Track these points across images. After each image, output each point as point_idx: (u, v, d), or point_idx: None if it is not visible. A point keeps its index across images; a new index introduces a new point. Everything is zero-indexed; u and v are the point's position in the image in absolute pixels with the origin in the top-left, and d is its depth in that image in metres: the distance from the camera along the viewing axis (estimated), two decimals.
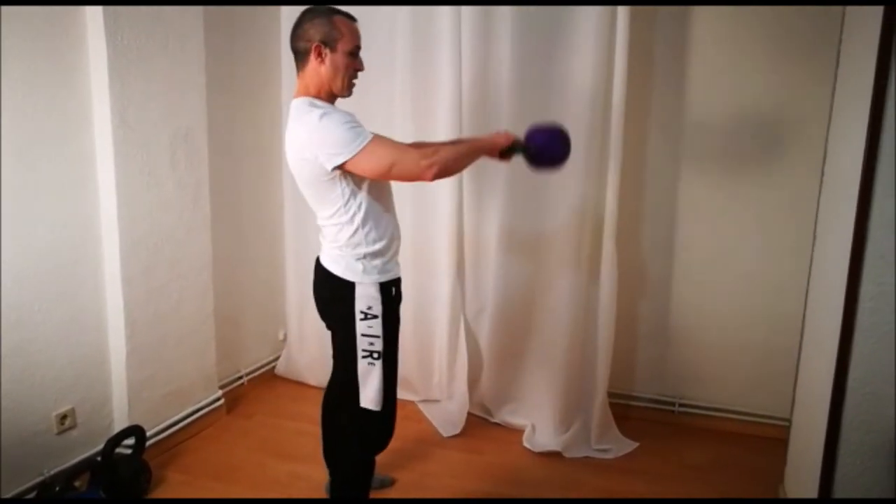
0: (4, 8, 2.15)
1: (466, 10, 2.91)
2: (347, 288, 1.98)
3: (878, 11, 1.66)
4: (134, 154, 2.58)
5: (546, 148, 2.16)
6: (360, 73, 2.04)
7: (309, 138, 1.89)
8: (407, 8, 3.04)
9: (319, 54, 1.95)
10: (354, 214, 1.95)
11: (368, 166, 1.87)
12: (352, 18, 2.01)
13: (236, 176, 3.31)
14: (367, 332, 1.98)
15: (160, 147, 2.69)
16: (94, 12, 2.41)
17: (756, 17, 2.83)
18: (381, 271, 2.01)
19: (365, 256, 1.98)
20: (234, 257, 3.32)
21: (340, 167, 1.86)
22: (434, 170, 1.88)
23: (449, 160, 1.92)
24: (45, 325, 2.39)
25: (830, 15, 2.60)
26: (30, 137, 2.29)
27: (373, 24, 3.13)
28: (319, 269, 2.09)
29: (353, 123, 1.88)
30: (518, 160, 2.20)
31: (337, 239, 2.00)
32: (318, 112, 1.89)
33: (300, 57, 2.00)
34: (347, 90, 2.02)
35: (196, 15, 2.81)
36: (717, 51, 2.91)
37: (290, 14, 3.31)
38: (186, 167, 2.82)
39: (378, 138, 1.89)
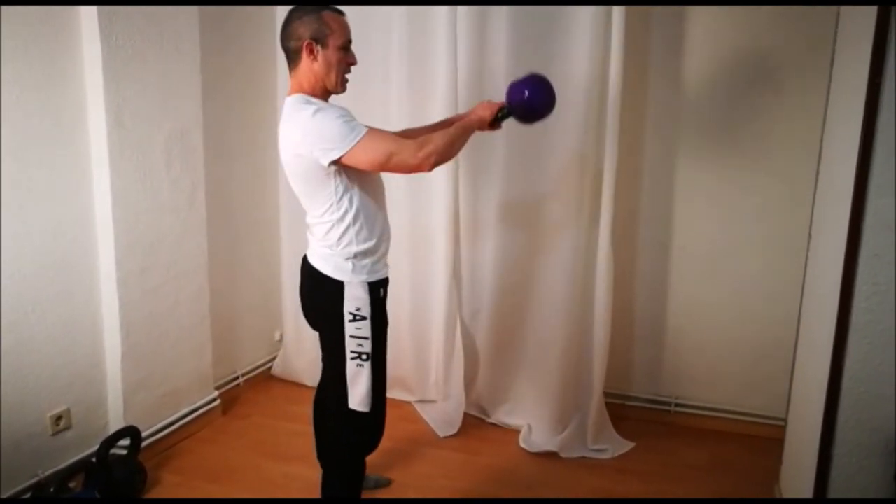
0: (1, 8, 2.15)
1: (462, 8, 2.91)
2: (336, 288, 1.97)
3: (871, 11, 1.66)
4: (129, 155, 2.57)
5: (531, 101, 2.16)
6: (355, 69, 2.04)
7: (303, 134, 1.88)
8: (403, 6, 3.03)
9: (311, 51, 1.94)
10: (346, 212, 1.94)
11: (366, 159, 1.86)
12: (340, 13, 2.00)
13: (232, 177, 3.31)
14: (356, 333, 1.97)
15: (155, 148, 2.69)
16: (89, 12, 2.40)
17: (750, 18, 2.83)
18: (371, 271, 2.00)
19: (355, 256, 1.97)
20: (229, 258, 3.31)
21: (337, 161, 1.86)
22: (432, 159, 1.89)
23: (444, 147, 1.93)
24: (40, 325, 2.39)
25: (825, 14, 2.60)
26: (24, 138, 2.28)
27: (369, 22, 3.13)
28: (307, 267, 2.08)
29: (348, 118, 1.88)
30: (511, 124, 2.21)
31: (327, 238, 1.98)
32: (311, 108, 1.89)
33: (291, 55, 1.99)
34: (341, 86, 2.01)
35: (191, 15, 2.80)
36: (713, 49, 2.91)
37: (286, 13, 3.33)
38: (182, 168, 2.82)
39: (373, 131, 1.89)
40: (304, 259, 2.10)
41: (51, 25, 2.34)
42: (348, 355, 1.98)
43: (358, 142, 1.84)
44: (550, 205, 2.93)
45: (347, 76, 2.03)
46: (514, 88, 2.17)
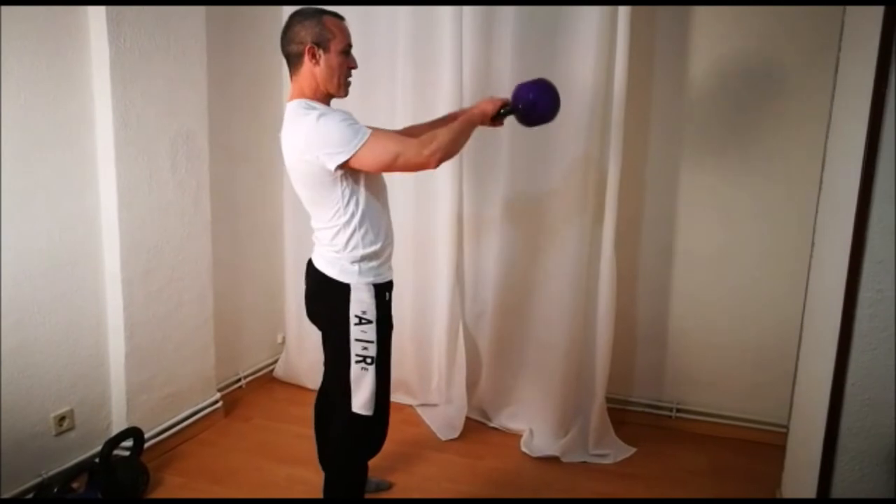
0: (7, 8, 2.16)
1: (468, 8, 2.92)
2: (342, 291, 1.98)
3: (878, 13, 1.66)
4: (135, 156, 2.58)
5: (536, 102, 2.17)
6: (361, 70, 2.06)
7: (308, 140, 1.88)
8: (409, 6, 3.04)
9: (313, 56, 1.95)
10: (353, 215, 1.95)
11: (373, 160, 1.86)
12: (340, 17, 2.01)
13: (236, 179, 3.32)
14: (361, 336, 1.98)
15: (161, 149, 2.70)
16: (97, 13, 2.42)
17: (756, 17, 2.84)
18: (376, 274, 2.01)
19: (361, 259, 1.98)
20: (233, 260, 3.32)
21: (343, 165, 1.86)
22: (437, 156, 1.89)
23: (448, 143, 1.92)
24: (44, 326, 2.39)
25: (831, 17, 2.60)
26: (31, 138, 2.29)
27: (374, 24, 3.15)
28: (313, 271, 2.09)
29: (351, 121, 1.89)
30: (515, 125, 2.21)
31: (334, 242, 1.99)
32: (315, 113, 1.89)
33: (293, 60, 1.99)
34: (343, 89, 2.02)
35: (198, 18, 2.81)
36: (717, 52, 2.92)
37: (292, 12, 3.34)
38: (187, 169, 2.83)
39: (377, 132, 1.90)
40: (310, 263, 2.11)
41: (59, 27, 2.35)
42: (353, 359, 1.98)
43: (364, 144, 1.84)
44: (554, 208, 2.93)
45: (350, 80, 2.04)
46: (522, 89, 2.20)
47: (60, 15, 2.35)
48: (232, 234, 3.30)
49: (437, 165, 1.91)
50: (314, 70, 1.96)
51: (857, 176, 1.71)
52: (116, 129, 2.49)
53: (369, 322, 1.98)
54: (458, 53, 2.95)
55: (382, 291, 2.03)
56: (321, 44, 1.94)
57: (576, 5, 2.76)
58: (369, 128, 1.89)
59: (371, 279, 1.99)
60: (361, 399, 2.01)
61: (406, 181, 3.08)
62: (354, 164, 1.86)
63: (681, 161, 3.04)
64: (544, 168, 2.94)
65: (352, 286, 1.97)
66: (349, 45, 2.01)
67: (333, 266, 2.00)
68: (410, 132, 2.17)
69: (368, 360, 1.99)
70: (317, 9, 1.99)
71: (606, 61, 2.75)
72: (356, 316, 1.97)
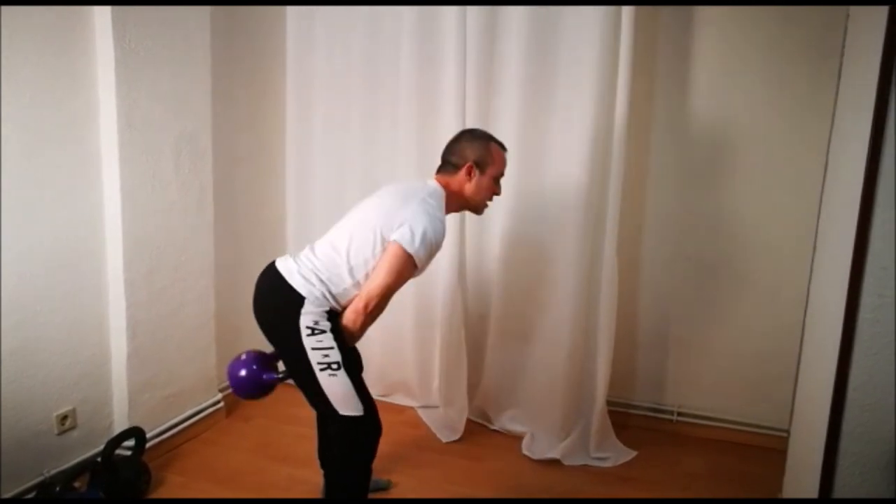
0: (13, 8, 2.17)
1: (472, 10, 2.92)
2: (294, 302, 2.00)
3: (881, 15, 1.65)
4: (139, 156, 2.59)
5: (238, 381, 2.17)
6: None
7: (405, 216, 2.00)
8: (413, 7, 3.04)
9: (469, 173, 2.16)
10: (366, 276, 2.02)
11: (387, 264, 1.98)
12: (504, 148, 2.25)
13: (239, 180, 3.32)
14: (318, 345, 1.99)
15: (165, 150, 2.71)
16: (102, 13, 2.42)
17: (759, 22, 2.84)
18: (333, 305, 2.05)
19: (333, 297, 2.03)
20: (235, 261, 3.32)
21: (389, 242, 2.00)
22: (363, 315, 2.01)
23: (367, 321, 2.04)
24: (47, 325, 2.40)
25: (834, 20, 2.61)
26: (36, 138, 2.30)
27: (379, 23, 3.16)
28: (270, 275, 2.11)
29: (429, 241, 2.00)
30: None
31: (327, 267, 2.04)
32: (429, 209, 2.03)
33: (450, 168, 2.20)
34: (482, 209, 2.27)
35: (202, 19, 2.82)
36: (720, 56, 2.92)
37: (296, 15, 3.35)
38: (190, 170, 2.83)
39: (411, 269, 2.03)
40: (268, 268, 2.15)
41: (64, 27, 2.36)
42: (316, 367, 1.98)
43: (408, 257, 1.98)
44: (557, 212, 2.93)
45: (489, 203, 2.26)
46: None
47: (66, 15, 2.36)
48: (234, 234, 3.31)
49: (365, 313, 2.01)
50: (465, 184, 2.18)
51: (859, 180, 1.71)
52: (121, 129, 2.50)
53: (323, 331, 1.99)
54: (461, 54, 2.95)
55: (334, 314, 2.05)
56: (480, 165, 2.17)
57: (578, 5, 2.76)
58: (419, 267, 2.03)
59: (327, 307, 2.03)
60: (344, 402, 2.01)
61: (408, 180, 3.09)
62: (391, 250, 1.99)
63: (683, 167, 3.04)
64: (547, 169, 2.95)
65: (305, 300, 2.00)
66: (502, 174, 2.24)
67: (297, 278, 2.03)
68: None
69: (335, 366, 1.98)
70: (487, 134, 2.24)
71: (610, 68, 2.75)
72: (308, 327, 1.98)
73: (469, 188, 2.17)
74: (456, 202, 2.20)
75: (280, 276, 2.06)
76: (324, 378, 1.99)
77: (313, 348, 1.98)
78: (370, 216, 2.08)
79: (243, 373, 2.15)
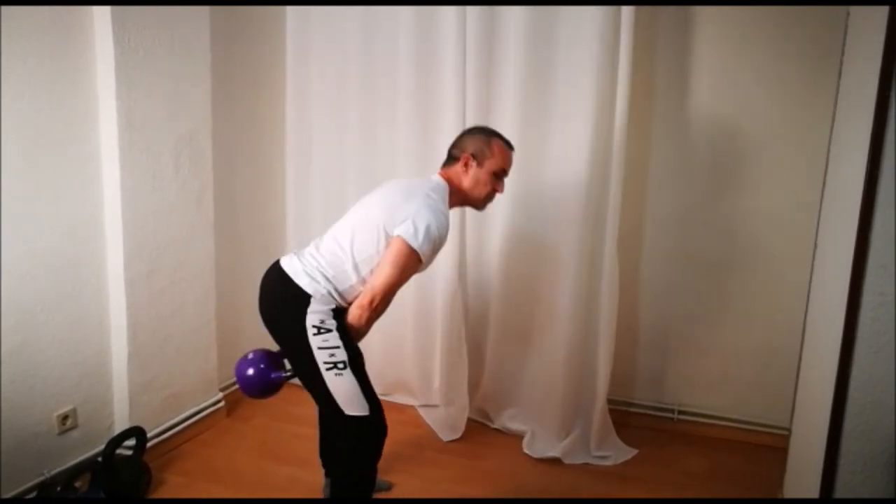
0: (12, 8, 2.16)
1: (472, 10, 2.92)
2: (301, 301, 2.00)
3: (881, 15, 1.65)
4: (139, 156, 2.59)
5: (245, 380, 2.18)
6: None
7: (408, 210, 2.01)
8: (414, 7, 3.04)
9: (466, 164, 2.17)
10: (371, 271, 2.03)
11: (391, 259, 1.99)
12: (510, 147, 2.24)
13: (239, 180, 3.32)
14: (324, 345, 1.99)
15: (165, 150, 2.71)
16: (102, 13, 2.42)
17: (759, 21, 2.84)
18: (338, 304, 2.05)
19: (339, 294, 2.04)
20: (235, 261, 3.32)
21: (391, 237, 2.00)
22: (367, 315, 2.03)
23: (372, 316, 2.05)
24: (47, 325, 2.40)
25: (834, 20, 2.60)
26: (35, 138, 2.30)
27: (377, 23, 3.15)
28: (276, 275, 2.10)
29: (434, 235, 2.01)
30: None
31: (332, 264, 2.04)
32: (432, 203, 2.04)
33: (451, 161, 2.22)
34: (482, 205, 2.26)
35: (202, 19, 2.82)
36: (720, 56, 2.92)
37: (296, 16, 3.35)
38: (191, 170, 2.83)
39: (416, 264, 2.03)
40: (273, 267, 2.15)
41: (64, 27, 2.35)
42: (322, 367, 1.98)
43: (408, 251, 1.97)
44: (557, 211, 2.93)
45: (491, 200, 2.25)
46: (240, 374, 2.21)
47: (65, 15, 2.35)
48: (234, 234, 3.30)
49: (369, 308, 2.02)
50: (461, 176, 2.18)
51: (860, 179, 1.71)
52: (121, 130, 2.50)
53: (329, 331, 1.99)
54: (461, 54, 2.95)
55: (340, 312, 2.05)
56: (477, 157, 2.17)
57: (578, 6, 2.76)
58: (422, 261, 2.03)
59: (333, 304, 2.04)
60: (349, 402, 2.01)
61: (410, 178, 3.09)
62: (394, 246, 1.99)
63: (683, 165, 3.04)
64: (547, 169, 2.95)
65: (312, 298, 2.00)
66: (504, 171, 2.22)
67: (303, 277, 2.03)
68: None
69: (341, 365, 1.98)
70: (493, 130, 2.25)
71: (610, 69, 2.75)
72: (314, 326, 1.99)
73: (466, 180, 2.18)
74: (457, 196, 2.20)
75: (286, 275, 2.06)
76: (330, 377, 1.99)
77: (319, 347, 1.98)
78: (373, 212, 2.08)
79: (251, 372, 2.15)
